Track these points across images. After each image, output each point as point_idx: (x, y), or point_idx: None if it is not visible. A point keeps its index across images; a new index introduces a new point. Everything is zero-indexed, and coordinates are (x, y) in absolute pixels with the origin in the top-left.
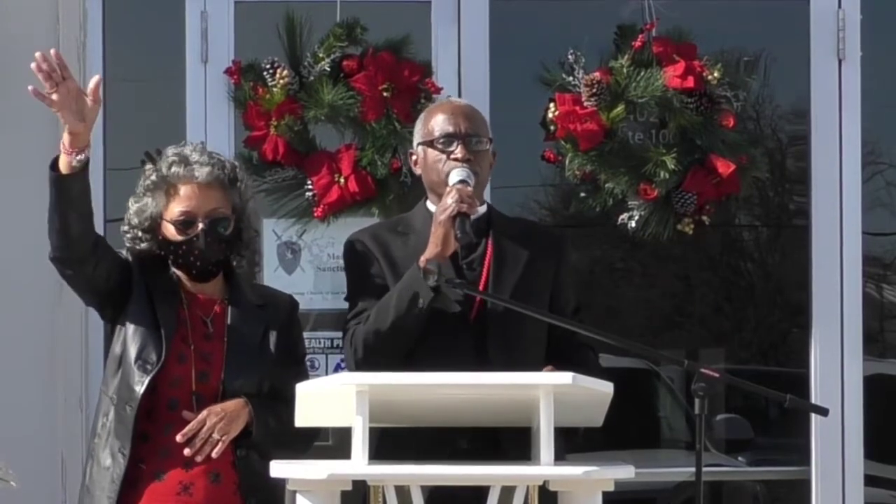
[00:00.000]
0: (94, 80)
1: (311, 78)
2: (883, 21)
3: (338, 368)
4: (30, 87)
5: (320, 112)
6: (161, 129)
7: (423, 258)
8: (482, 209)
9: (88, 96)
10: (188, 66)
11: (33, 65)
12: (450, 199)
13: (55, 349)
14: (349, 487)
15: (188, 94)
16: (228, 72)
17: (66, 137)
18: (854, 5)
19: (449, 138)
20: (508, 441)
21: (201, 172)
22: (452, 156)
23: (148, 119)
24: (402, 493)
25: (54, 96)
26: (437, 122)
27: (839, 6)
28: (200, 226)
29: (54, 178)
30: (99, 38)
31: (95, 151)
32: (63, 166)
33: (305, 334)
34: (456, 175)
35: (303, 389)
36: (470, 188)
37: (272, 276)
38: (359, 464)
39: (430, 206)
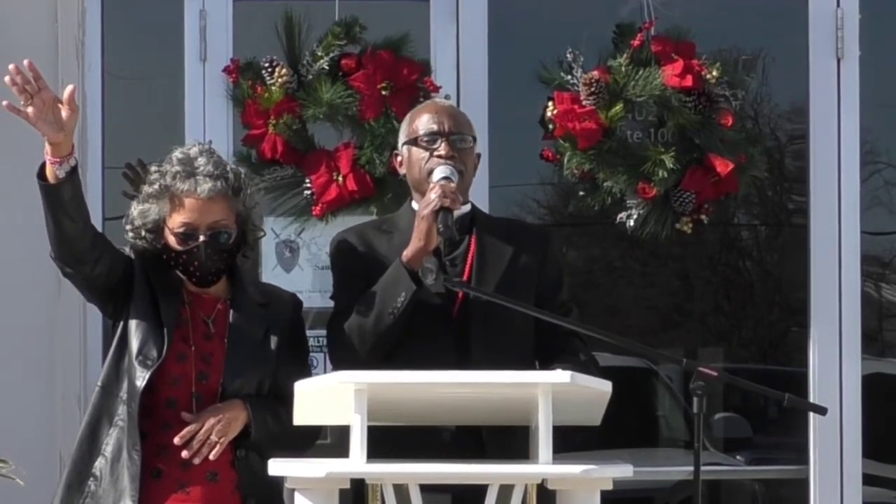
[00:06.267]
0: (68, 89)
1: (310, 76)
2: (882, 20)
3: None
4: (3, 102)
5: (319, 110)
6: (159, 127)
7: (405, 253)
8: (466, 208)
9: (64, 105)
10: (187, 65)
11: (7, 78)
12: (433, 195)
13: (54, 346)
14: (347, 486)
15: (187, 93)
16: (227, 70)
17: (47, 148)
18: (853, 4)
19: (433, 136)
20: (490, 437)
21: (203, 188)
22: (436, 153)
23: (146, 117)
24: (401, 491)
25: (29, 109)
26: (422, 122)
27: (838, 5)
28: (202, 238)
29: (43, 188)
30: (97, 36)
31: (94, 150)
32: (49, 176)
33: None
34: (439, 172)
35: (301, 388)
36: (453, 184)
37: (270, 274)
38: (357, 462)
39: (415, 205)
